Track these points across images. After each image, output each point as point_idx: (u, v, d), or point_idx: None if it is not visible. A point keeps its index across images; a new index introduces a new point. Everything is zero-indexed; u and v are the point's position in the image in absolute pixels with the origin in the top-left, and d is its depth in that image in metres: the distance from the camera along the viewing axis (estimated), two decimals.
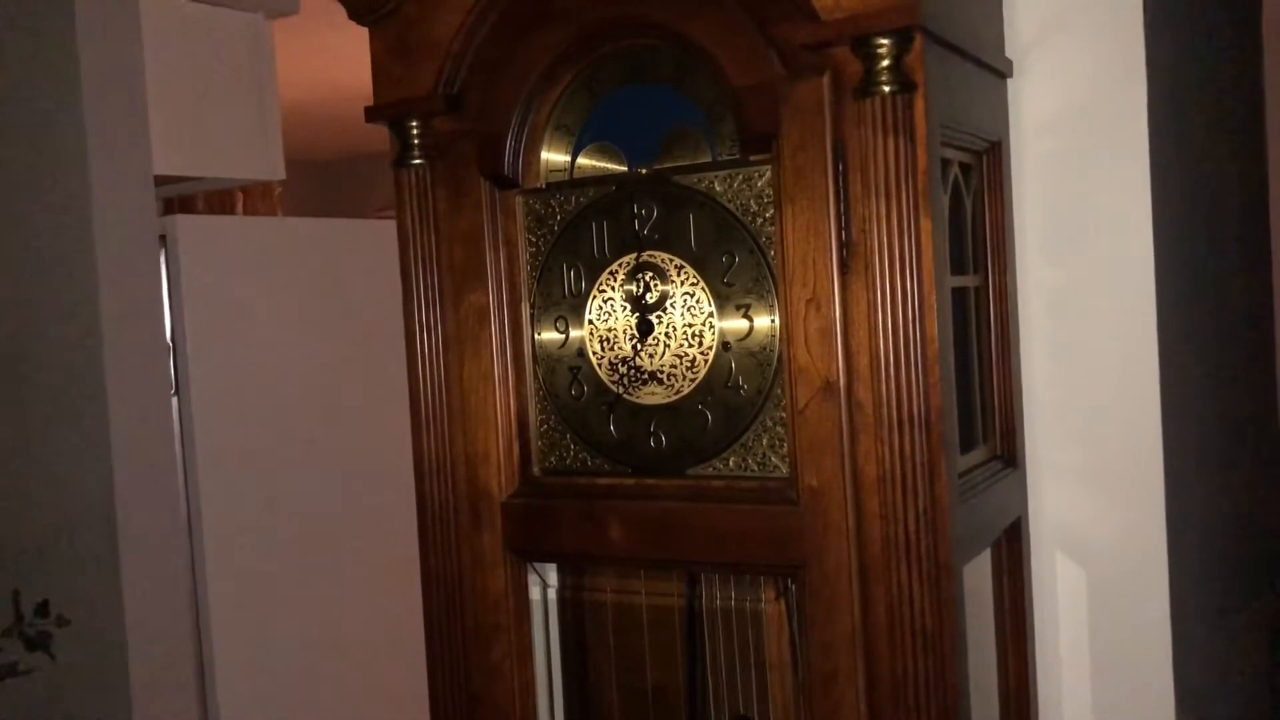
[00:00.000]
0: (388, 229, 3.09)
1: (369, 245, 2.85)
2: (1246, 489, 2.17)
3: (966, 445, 1.34)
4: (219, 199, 3.71)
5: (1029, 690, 1.46)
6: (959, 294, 1.33)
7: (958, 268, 1.34)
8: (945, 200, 1.27)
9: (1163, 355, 1.45)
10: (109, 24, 2.31)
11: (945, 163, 1.27)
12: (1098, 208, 1.45)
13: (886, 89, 1.13)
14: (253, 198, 3.84)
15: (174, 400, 2.45)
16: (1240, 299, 2.18)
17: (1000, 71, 1.42)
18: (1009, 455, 1.44)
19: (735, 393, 1.29)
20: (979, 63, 1.33)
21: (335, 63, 4.65)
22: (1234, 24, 2.19)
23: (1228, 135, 2.09)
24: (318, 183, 7.40)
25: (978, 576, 1.40)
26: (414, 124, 1.39)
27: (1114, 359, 1.46)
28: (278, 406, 2.62)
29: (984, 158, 1.40)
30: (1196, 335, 1.72)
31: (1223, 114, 2.05)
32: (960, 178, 1.35)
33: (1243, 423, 2.16)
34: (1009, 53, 1.46)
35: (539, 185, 1.39)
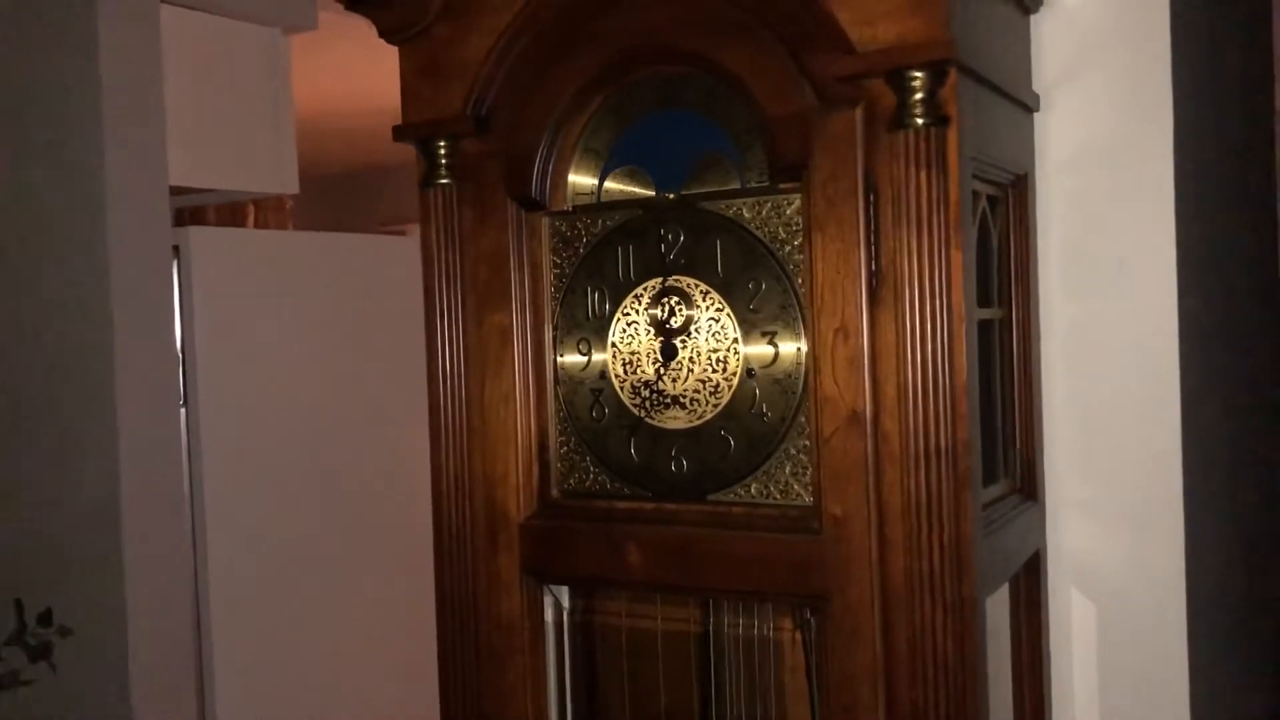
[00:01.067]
0: (397, 244, 3.10)
1: (379, 260, 2.85)
2: (1264, 527, 2.17)
3: (988, 478, 1.33)
4: (230, 211, 3.71)
5: None
6: (983, 326, 1.33)
7: (982, 300, 1.34)
8: (973, 232, 1.27)
9: (1184, 392, 1.45)
10: (129, 36, 2.32)
11: (974, 195, 1.27)
12: (1121, 243, 1.45)
13: (920, 122, 1.13)
14: (264, 210, 3.84)
15: (182, 411, 2.44)
16: (1261, 337, 2.18)
17: (1027, 105, 1.43)
18: (1029, 489, 1.44)
19: (759, 419, 1.29)
20: (1008, 97, 1.34)
21: (347, 78, 4.66)
22: (1252, 64, 2.20)
23: (1250, 175, 2.10)
24: (323, 196, 7.41)
25: (996, 609, 1.39)
26: (442, 144, 1.40)
27: (1134, 395, 1.46)
28: (285, 419, 2.62)
29: (1010, 191, 1.41)
30: (1218, 372, 1.72)
31: (1245, 154, 2.06)
32: (988, 210, 1.35)
33: (1262, 460, 2.16)
34: (1036, 87, 1.47)
35: (566, 208, 1.39)
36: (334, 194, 7.52)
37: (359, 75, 4.63)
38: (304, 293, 2.66)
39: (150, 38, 2.35)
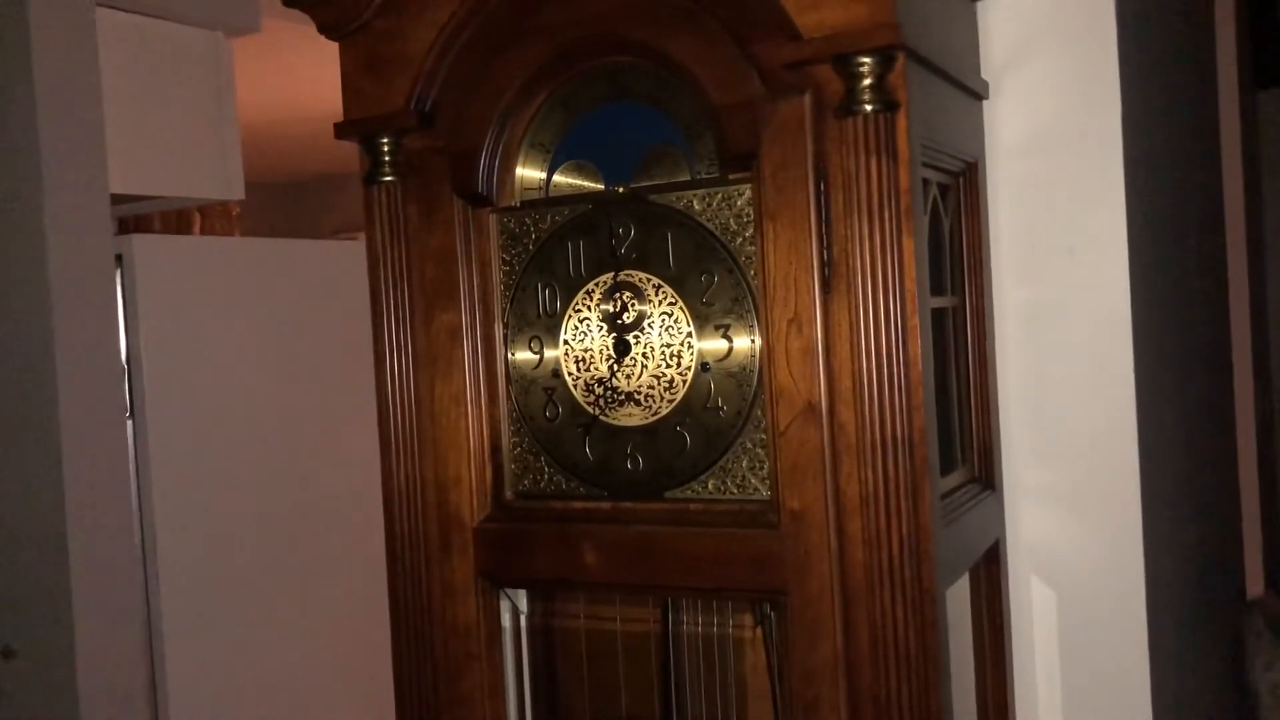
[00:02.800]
0: (346, 250, 3.06)
1: (327, 266, 2.81)
2: (1220, 508, 2.18)
3: (945, 467, 1.32)
4: (177, 219, 3.64)
5: (1008, 715, 1.45)
6: (937, 315, 1.32)
7: (935, 288, 1.33)
8: (925, 220, 1.26)
9: (1138, 376, 1.45)
10: (64, 40, 2.26)
11: (925, 183, 1.26)
12: (1073, 229, 1.45)
13: (869, 108, 1.12)
14: (211, 218, 3.78)
15: (129, 424, 2.39)
16: (1212, 320, 2.20)
17: (976, 93, 1.42)
18: (987, 477, 1.43)
19: (714, 414, 1.27)
20: (957, 83, 1.33)
21: (295, 83, 4.60)
22: (1193, 43, 2.22)
23: (1190, 155, 2.12)
24: (274, 204, 7.32)
25: (957, 600, 1.39)
26: (385, 140, 1.36)
27: (1089, 380, 1.46)
28: (234, 430, 2.56)
29: (961, 178, 1.40)
30: (1171, 355, 1.73)
31: (1185, 134, 2.07)
32: (938, 198, 1.35)
33: (1216, 441, 2.18)
34: (985, 74, 1.47)
35: (513, 203, 1.36)
36: (287, 202, 7.43)
37: (309, 80, 4.57)
38: (251, 300, 2.61)
39: (86, 42, 2.30)
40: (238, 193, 2.71)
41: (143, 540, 2.39)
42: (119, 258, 2.37)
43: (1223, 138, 2.66)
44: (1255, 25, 3.20)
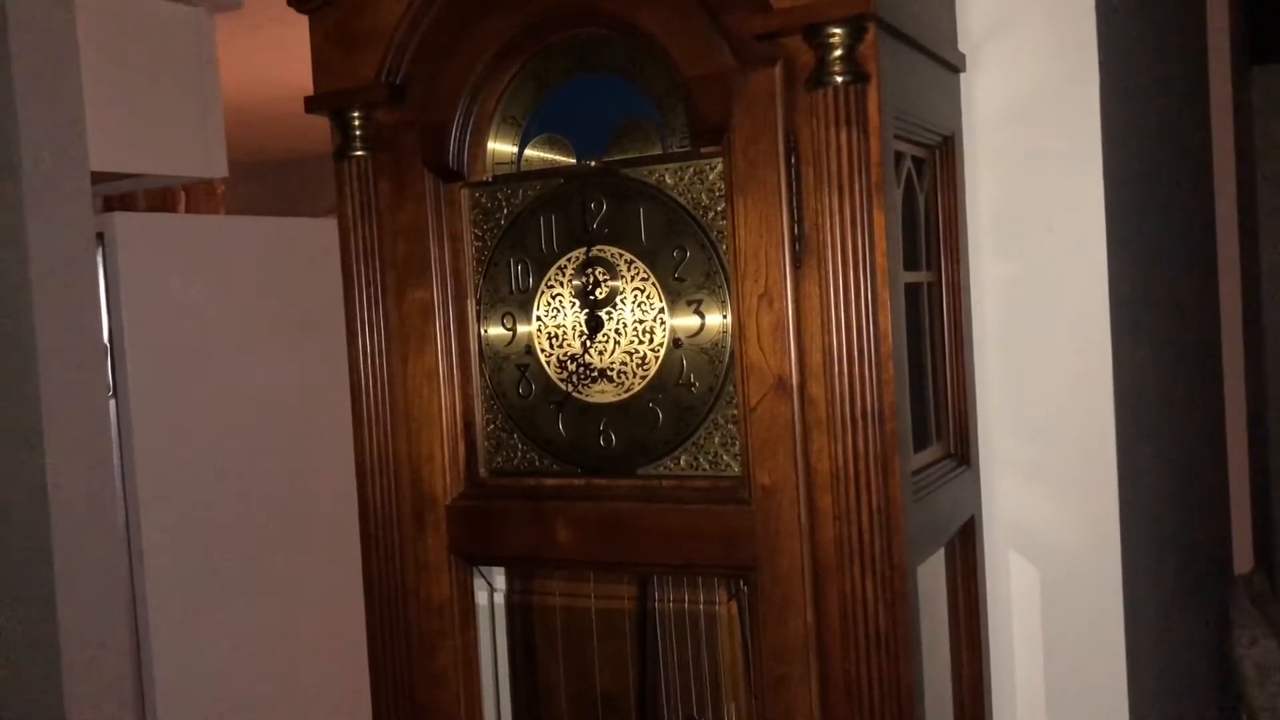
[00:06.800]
0: (331, 227, 3.04)
1: (312, 243, 2.79)
2: (1199, 484, 2.18)
3: (920, 443, 1.32)
4: (161, 197, 3.62)
5: (983, 690, 1.45)
6: (912, 290, 1.32)
7: (911, 263, 1.32)
8: (899, 194, 1.25)
9: (1116, 351, 1.44)
10: (42, 15, 2.24)
11: (898, 156, 1.25)
12: (1051, 203, 1.44)
13: (839, 79, 1.11)
14: (196, 197, 3.76)
15: (112, 403, 2.38)
16: (1192, 293, 2.19)
17: (953, 65, 1.41)
18: (962, 453, 1.42)
19: (687, 390, 1.26)
20: (932, 55, 1.32)
21: (283, 61, 4.57)
22: (1182, 18, 2.20)
23: (1180, 130, 2.10)
24: (269, 184, 7.29)
25: (931, 576, 1.38)
26: (355, 114, 1.35)
27: (1067, 355, 1.45)
28: (219, 409, 2.56)
29: (937, 152, 1.39)
30: (1150, 330, 1.72)
31: (1174, 109, 2.06)
32: (913, 171, 1.33)
33: (1196, 418, 2.17)
34: (962, 46, 1.45)
35: (485, 178, 1.35)
36: (280, 181, 7.40)
37: (297, 57, 4.54)
38: (235, 278, 2.60)
39: (65, 18, 2.28)
40: (220, 171, 2.69)
41: (126, 519, 2.39)
42: (100, 236, 2.36)
43: (1213, 111, 2.64)
44: (1250, 1, 3.17)
